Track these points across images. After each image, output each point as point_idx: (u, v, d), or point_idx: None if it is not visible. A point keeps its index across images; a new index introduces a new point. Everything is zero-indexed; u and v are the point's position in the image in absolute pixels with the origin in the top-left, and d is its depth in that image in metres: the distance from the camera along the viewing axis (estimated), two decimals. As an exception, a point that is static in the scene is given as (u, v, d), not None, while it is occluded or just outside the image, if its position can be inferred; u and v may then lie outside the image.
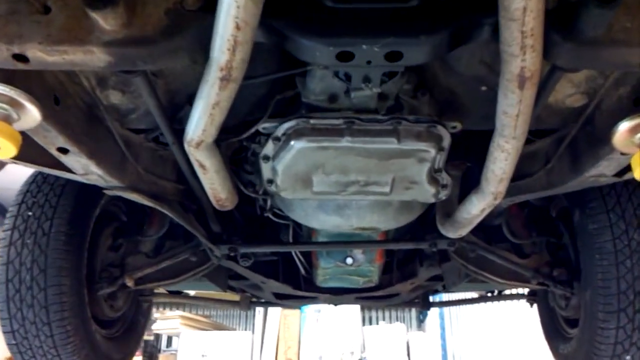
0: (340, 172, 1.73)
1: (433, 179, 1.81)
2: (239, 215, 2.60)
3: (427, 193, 1.85)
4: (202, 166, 1.69)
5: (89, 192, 2.39)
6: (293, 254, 2.73)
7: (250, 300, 3.41)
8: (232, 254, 2.49)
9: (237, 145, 2.11)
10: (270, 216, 2.34)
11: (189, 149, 1.59)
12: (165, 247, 2.74)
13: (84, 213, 2.39)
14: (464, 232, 2.15)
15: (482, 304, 8.91)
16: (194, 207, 2.40)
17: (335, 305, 3.41)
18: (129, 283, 2.47)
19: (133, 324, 2.95)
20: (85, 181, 1.83)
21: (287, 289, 2.99)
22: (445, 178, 1.83)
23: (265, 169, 1.79)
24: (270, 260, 2.91)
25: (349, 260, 2.57)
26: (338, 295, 3.09)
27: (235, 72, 1.23)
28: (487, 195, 1.83)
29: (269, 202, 2.26)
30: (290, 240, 2.56)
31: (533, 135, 1.93)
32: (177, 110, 1.72)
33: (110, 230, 2.68)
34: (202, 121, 1.44)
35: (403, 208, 2.09)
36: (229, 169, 1.86)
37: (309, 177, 1.76)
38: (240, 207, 2.62)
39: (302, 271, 2.87)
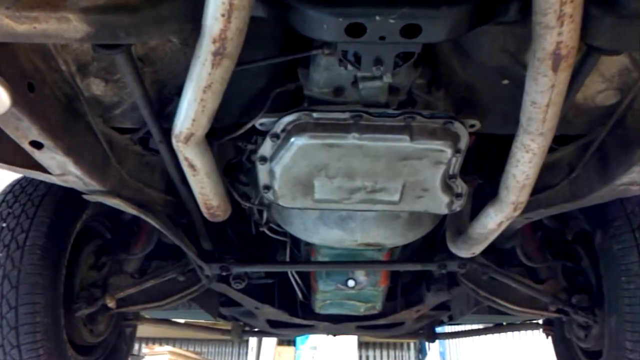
0: (345, 176, 1.58)
1: (447, 186, 1.65)
2: (233, 234, 2.43)
3: (440, 203, 1.69)
4: (191, 166, 1.54)
5: (69, 205, 2.23)
6: (290, 275, 2.55)
7: (243, 329, 3.20)
8: (223, 274, 2.31)
9: (231, 153, 1.98)
10: (266, 231, 2.17)
11: (177, 145, 1.44)
12: (151, 268, 2.56)
13: (63, 227, 2.22)
14: (478, 249, 1.99)
15: (487, 340, 8.68)
16: (184, 221, 2.24)
17: (334, 335, 3.20)
18: (110, 304, 2.28)
19: (114, 351, 2.74)
20: (62, 183, 1.67)
21: (283, 316, 2.79)
22: (460, 186, 1.68)
23: (262, 172, 1.63)
24: (265, 284, 2.73)
25: (351, 283, 2.39)
26: (337, 323, 2.89)
27: (230, 45, 1.09)
28: (507, 206, 1.67)
29: (264, 215, 2.09)
30: (288, 259, 2.39)
31: (555, 142, 1.79)
32: (166, 104, 1.57)
33: (92, 247, 2.50)
34: (192, 109, 1.29)
35: (412, 222, 1.93)
36: (221, 174, 1.71)
37: (310, 181, 1.60)
38: (234, 225, 2.46)
39: (300, 296, 2.69)
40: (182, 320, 4.00)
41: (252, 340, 10.65)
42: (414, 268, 2.31)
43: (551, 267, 2.54)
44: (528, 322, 2.99)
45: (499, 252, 2.51)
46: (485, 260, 2.39)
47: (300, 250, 2.44)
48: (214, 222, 2.34)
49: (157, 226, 1.93)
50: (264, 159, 1.59)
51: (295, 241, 2.45)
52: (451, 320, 3.35)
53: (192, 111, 1.30)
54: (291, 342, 9.11)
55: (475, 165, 2.00)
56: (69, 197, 2.23)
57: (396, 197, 1.66)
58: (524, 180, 1.54)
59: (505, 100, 1.55)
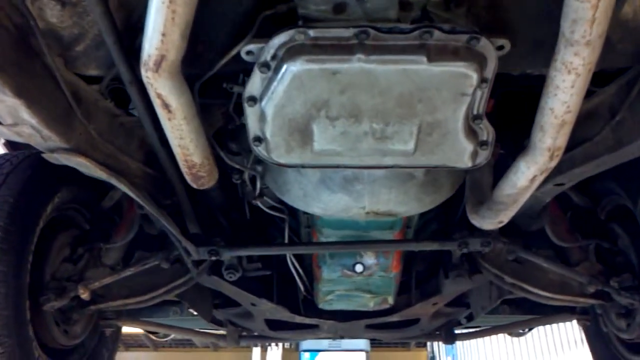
0: (350, 116, 1.35)
1: (471, 130, 1.43)
2: (224, 221, 2.19)
3: (462, 152, 1.46)
4: (165, 106, 1.32)
5: (38, 186, 2.00)
6: (289, 262, 2.31)
7: (240, 334, 2.94)
8: (213, 258, 2.06)
9: (219, 121, 1.76)
10: (260, 205, 1.94)
11: (147, 77, 1.22)
12: (134, 259, 2.31)
13: (30, 209, 1.99)
14: (506, 217, 1.75)
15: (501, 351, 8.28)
16: (168, 202, 2.01)
17: (342, 337, 2.93)
18: (84, 295, 2.03)
19: (93, 357, 2.48)
20: (16, 138, 1.45)
21: (283, 314, 2.53)
22: (486, 130, 1.45)
23: (252, 118, 1.40)
24: (262, 277, 2.48)
25: (359, 268, 2.14)
26: (344, 322, 2.63)
27: None
28: (541, 154, 1.44)
29: (258, 184, 1.86)
30: (286, 240, 2.15)
31: (592, 83, 1.56)
32: (135, 36, 1.35)
33: (67, 238, 2.26)
34: (160, 17, 1.08)
35: (428, 184, 1.70)
36: (203, 123, 1.48)
37: (308, 125, 1.37)
38: (226, 212, 2.23)
39: (301, 287, 2.43)
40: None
41: (256, 352, 10.30)
42: (430, 247, 2.06)
43: (583, 249, 2.30)
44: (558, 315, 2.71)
45: (523, 235, 2.27)
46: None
47: (300, 234, 2.21)
48: (203, 207, 2.13)
49: (133, 195, 1.70)
50: (252, 100, 1.37)
51: (294, 222, 2.22)
52: (470, 321, 3.09)
53: (160, 20, 1.08)
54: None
55: (496, 133, 1.80)
56: (38, 178, 2.01)
57: (410, 146, 1.43)
58: (564, 114, 1.32)
59: (537, 20, 1.34)
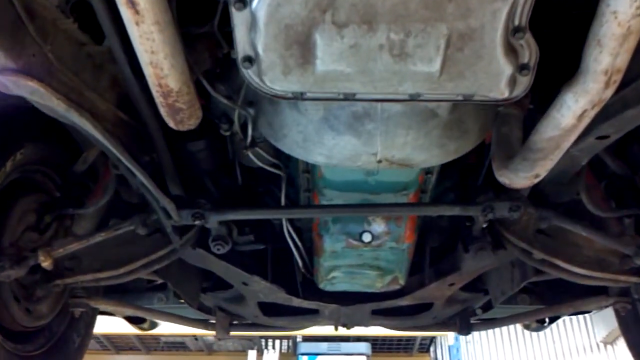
0: (362, 22, 1.10)
1: (510, 47, 1.17)
2: (213, 187, 1.94)
3: (499, 76, 1.21)
4: (132, 4, 1.07)
5: None
6: (286, 231, 2.05)
7: (231, 322, 2.68)
8: (197, 222, 1.80)
9: (208, 63, 1.52)
10: (252, 156, 1.69)
11: None
12: (108, 226, 2.06)
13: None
14: (543, 169, 1.49)
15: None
16: (147, 159, 1.76)
17: (345, 326, 2.67)
18: (45, 263, 1.77)
19: (62, 343, 2.22)
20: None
21: (278, 294, 2.27)
22: (528, 48, 1.20)
23: (241, 28, 1.15)
24: (256, 254, 2.23)
25: (367, 237, 1.88)
26: (348, 305, 2.36)
27: None
28: (595, 79, 1.20)
29: (249, 129, 1.61)
30: (283, 201, 1.89)
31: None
32: None
33: (32, 203, 2.00)
34: None
35: (453, 126, 1.45)
36: (180, 33, 1.23)
37: (310, 35, 1.12)
38: (215, 176, 1.98)
39: (299, 262, 2.17)
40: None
41: (251, 355, 10.01)
42: (450, 212, 1.81)
43: (620, 221, 2.04)
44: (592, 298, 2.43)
45: (553, 207, 2.01)
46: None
47: (300, 200, 1.95)
48: (188, 171, 1.88)
49: (98, 135, 1.44)
50: (241, 1, 1.12)
51: (292, 188, 1.97)
52: (487, 311, 2.83)
53: None
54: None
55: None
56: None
57: (436, 66, 1.17)
58: (632, 18, 1.07)
59: None
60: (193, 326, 2.67)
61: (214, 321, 2.69)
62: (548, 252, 1.98)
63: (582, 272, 1.99)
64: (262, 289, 2.24)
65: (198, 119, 1.45)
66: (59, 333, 2.20)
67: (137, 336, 9.99)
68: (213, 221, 1.84)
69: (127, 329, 8.27)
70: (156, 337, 10.36)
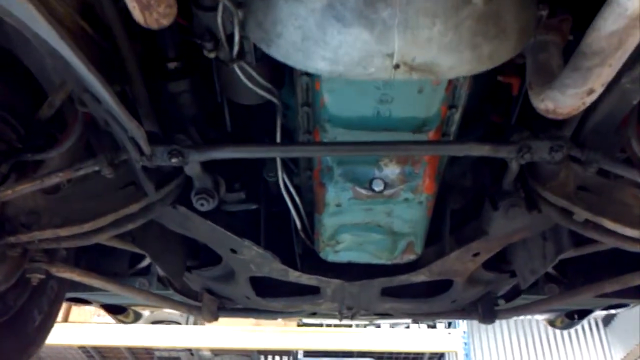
0: None
1: None
2: (198, 136, 1.66)
3: None
4: None
5: None
6: (281, 182, 1.76)
7: (219, 305, 2.38)
8: (173, 161, 1.53)
9: None
10: (238, 71, 1.42)
11: None
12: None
13: None
14: (599, 81, 1.22)
15: None
16: (117, 89, 1.49)
17: (350, 311, 2.37)
18: (-13, 205, 1.50)
19: (18, 319, 1.93)
20: None
21: (272, 266, 1.98)
22: None
23: None
24: (246, 215, 1.95)
25: (377, 185, 1.59)
26: (354, 280, 2.07)
27: None
28: None
29: (236, 31, 1.34)
30: (278, 137, 1.61)
31: None
32: None
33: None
34: None
35: (489, 20, 1.18)
36: None
37: None
38: (200, 122, 1.71)
39: (297, 222, 1.88)
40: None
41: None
42: (478, 152, 1.52)
43: None
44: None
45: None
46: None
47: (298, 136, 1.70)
48: (167, 118, 1.62)
49: (52, 35, 1.18)
50: None
51: (289, 134, 1.70)
52: (511, 300, 2.53)
53: None
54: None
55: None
56: None
57: None
58: None
59: None
60: (177, 309, 2.38)
61: (200, 305, 2.40)
62: (593, 210, 1.69)
63: (635, 234, 1.70)
64: (254, 258, 1.95)
65: (173, 14, 1.20)
66: (15, 307, 1.92)
67: (129, 349, 9.64)
68: (194, 161, 1.56)
69: (118, 340, 7.93)
70: (149, 351, 10.01)
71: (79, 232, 1.72)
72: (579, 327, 9.70)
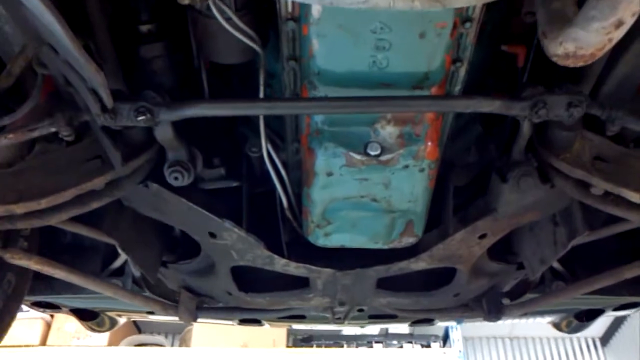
0: None
1: None
2: (170, 76, 1.49)
3: None
4: None
5: None
6: (264, 148, 1.57)
7: (198, 304, 2.18)
8: (140, 118, 1.34)
9: None
10: (215, 12, 1.25)
11: None
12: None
13: None
14: (629, 8, 1.06)
15: None
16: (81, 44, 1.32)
17: (343, 313, 2.17)
18: None
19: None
20: None
21: (256, 252, 1.79)
22: None
23: None
24: (226, 194, 1.76)
25: (373, 148, 1.41)
26: (347, 269, 1.88)
27: None
28: None
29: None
30: (262, 91, 1.44)
31: None
32: None
33: None
34: None
35: None
36: None
37: None
38: (174, 93, 1.54)
39: (284, 199, 1.70)
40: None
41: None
42: (488, 107, 1.35)
43: None
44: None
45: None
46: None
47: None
48: (139, 87, 1.45)
49: None
50: None
51: (273, 84, 1.53)
52: (517, 298, 2.34)
53: None
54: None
55: None
56: None
57: None
58: None
59: None
60: (151, 308, 2.16)
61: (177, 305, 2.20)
62: (613, 181, 1.52)
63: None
64: (235, 243, 1.75)
65: None
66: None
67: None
68: (165, 120, 1.38)
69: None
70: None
71: (35, 208, 1.53)
72: (576, 347, 9.49)
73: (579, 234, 1.83)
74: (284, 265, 1.85)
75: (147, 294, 2.20)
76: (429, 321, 2.72)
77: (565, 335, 9.37)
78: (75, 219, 1.84)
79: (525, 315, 2.69)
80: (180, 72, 1.54)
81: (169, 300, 2.28)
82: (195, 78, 1.61)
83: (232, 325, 2.80)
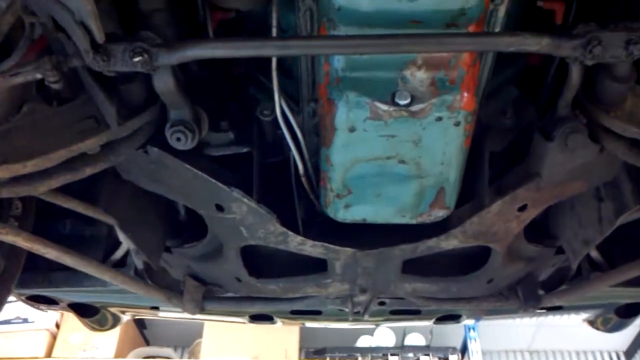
0: None
1: None
2: (172, 29, 1.34)
3: None
4: None
5: None
6: (277, 103, 1.40)
7: (205, 293, 2.00)
8: (136, 59, 1.18)
9: None
10: None
11: None
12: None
13: None
14: None
15: None
16: None
17: (363, 305, 1.97)
18: None
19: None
20: None
21: (268, 228, 1.61)
22: None
23: None
24: (233, 161, 1.60)
25: (402, 97, 1.24)
26: (369, 249, 1.69)
27: None
28: None
29: None
30: (274, 31, 1.27)
31: None
32: None
33: None
34: None
35: None
36: None
37: None
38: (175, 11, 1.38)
39: (299, 164, 1.52)
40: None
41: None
42: (535, 46, 1.16)
43: None
44: None
45: None
46: None
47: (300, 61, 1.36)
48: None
49: None
50: None
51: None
52: (554, 287, 2.14)
53: None
54: None
55: None
56: None
57: None
58: None
59: None
60: (155, 296, 1.99)
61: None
62: None
63: None
64: (245, 217, 1.58)
65: None
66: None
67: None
68: (164, 64, 1.21)
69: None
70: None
71: (21, 172, 1.36)
72: (599, 360, 9.19)
73: (628, 208, 1.65)
74: (299, 244, 1.67)
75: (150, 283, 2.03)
76: (455, 318, 2.53)
77: (587, 348, 9.09)
78: (70, 194, 1.70)
79: (560, 310, 2.50)
80: (182, 29, 1.39)
81: (172, 289, 2.11)
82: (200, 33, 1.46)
83: (243, 322, 2.63)
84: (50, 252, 1.63)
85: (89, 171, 1.45)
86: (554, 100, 1.43)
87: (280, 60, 1.45)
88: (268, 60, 1.40)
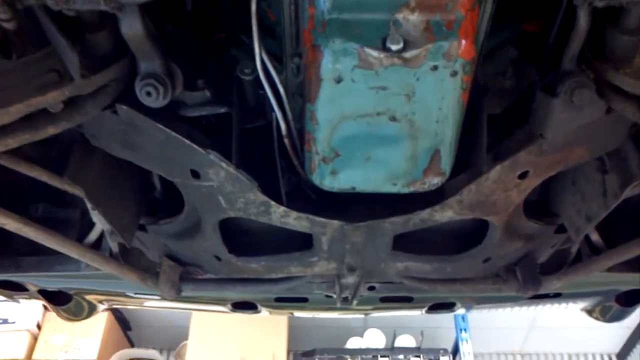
0: None
1: None
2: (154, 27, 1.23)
3: None
4: None
5: None
6: (257, 58, 1.29)
7: (181, 274, 1.87)
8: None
9: None
10: None
11: None
12: None
13: None
14: None
15: None
16: None
17: (352, 290, 1.85)
18: None
19: None
20: None
21: (249, 197, 1.49)
22: None
23: None
24: (211, 121, 1.48)
25: (395, 41, 1.12)
26: (358, 222, 1.58)
27: None
28: None
29: None
30: None
31: None
32: None
33: None
34: None
35: None
36: None
37: None
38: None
39: (282, 123, 1.40)
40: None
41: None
42: None
43: None
44: None
45: None
46: None
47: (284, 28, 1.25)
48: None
49: None
50: None
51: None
52: (553, 270, 2.04)
53: None
54: None
55: None
56: None
57: None
58: None
59: None
60: (128, 277, 1.86)
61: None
62: None
63: None
64: (223, 183, 1.46)
65: None
66: None
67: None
68: (129, 1, 1.10)
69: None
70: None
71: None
72: (590, 366, 9.09)
73: (634, 179, 1.55)
74: (282, 216, 1.55)
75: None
76: (449, 307, 2.41)
77: (579, 350, 9.00)
78: (34, 162, 1.57)
79: (559, 298, 2.39)
80: None
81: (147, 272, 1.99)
82: None
83: (226, 312, 2.50)
84: (10, 223, 1.50)
85: (51, 130, 1.32)
86: (556, 60, 1.33)
87: (262, 18, 1.34)
88: (249, 16, 1.28)
